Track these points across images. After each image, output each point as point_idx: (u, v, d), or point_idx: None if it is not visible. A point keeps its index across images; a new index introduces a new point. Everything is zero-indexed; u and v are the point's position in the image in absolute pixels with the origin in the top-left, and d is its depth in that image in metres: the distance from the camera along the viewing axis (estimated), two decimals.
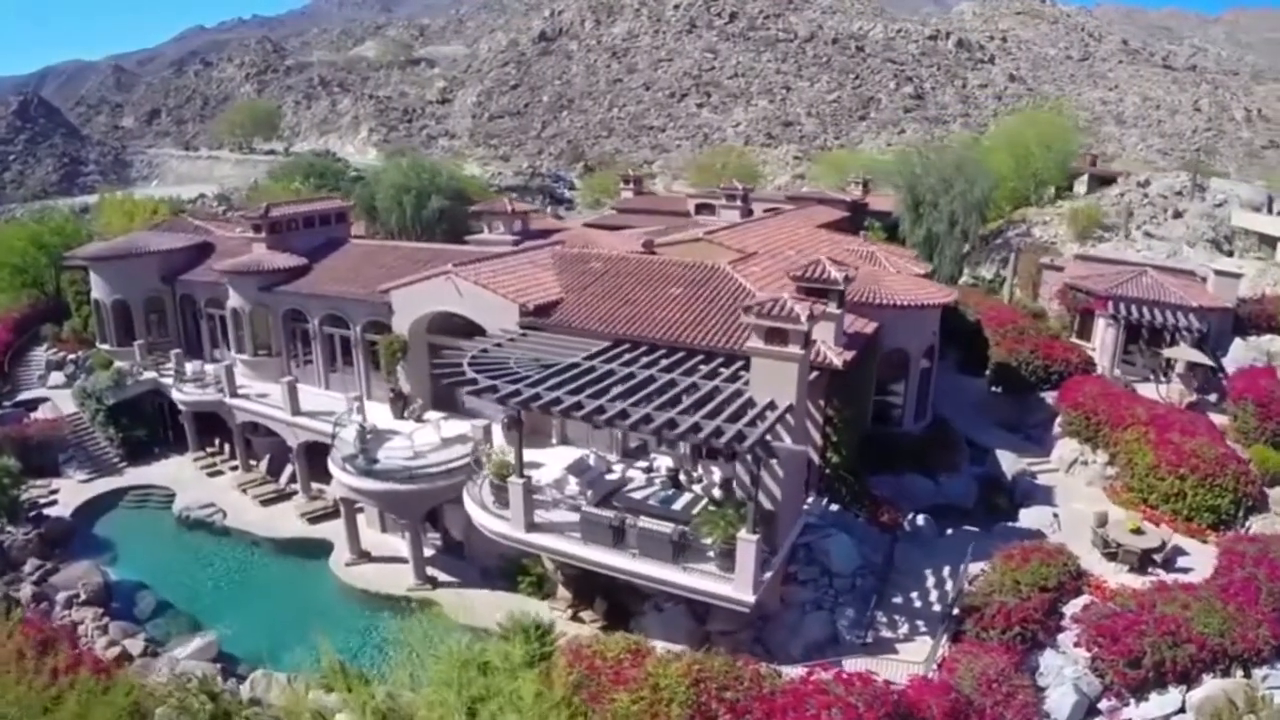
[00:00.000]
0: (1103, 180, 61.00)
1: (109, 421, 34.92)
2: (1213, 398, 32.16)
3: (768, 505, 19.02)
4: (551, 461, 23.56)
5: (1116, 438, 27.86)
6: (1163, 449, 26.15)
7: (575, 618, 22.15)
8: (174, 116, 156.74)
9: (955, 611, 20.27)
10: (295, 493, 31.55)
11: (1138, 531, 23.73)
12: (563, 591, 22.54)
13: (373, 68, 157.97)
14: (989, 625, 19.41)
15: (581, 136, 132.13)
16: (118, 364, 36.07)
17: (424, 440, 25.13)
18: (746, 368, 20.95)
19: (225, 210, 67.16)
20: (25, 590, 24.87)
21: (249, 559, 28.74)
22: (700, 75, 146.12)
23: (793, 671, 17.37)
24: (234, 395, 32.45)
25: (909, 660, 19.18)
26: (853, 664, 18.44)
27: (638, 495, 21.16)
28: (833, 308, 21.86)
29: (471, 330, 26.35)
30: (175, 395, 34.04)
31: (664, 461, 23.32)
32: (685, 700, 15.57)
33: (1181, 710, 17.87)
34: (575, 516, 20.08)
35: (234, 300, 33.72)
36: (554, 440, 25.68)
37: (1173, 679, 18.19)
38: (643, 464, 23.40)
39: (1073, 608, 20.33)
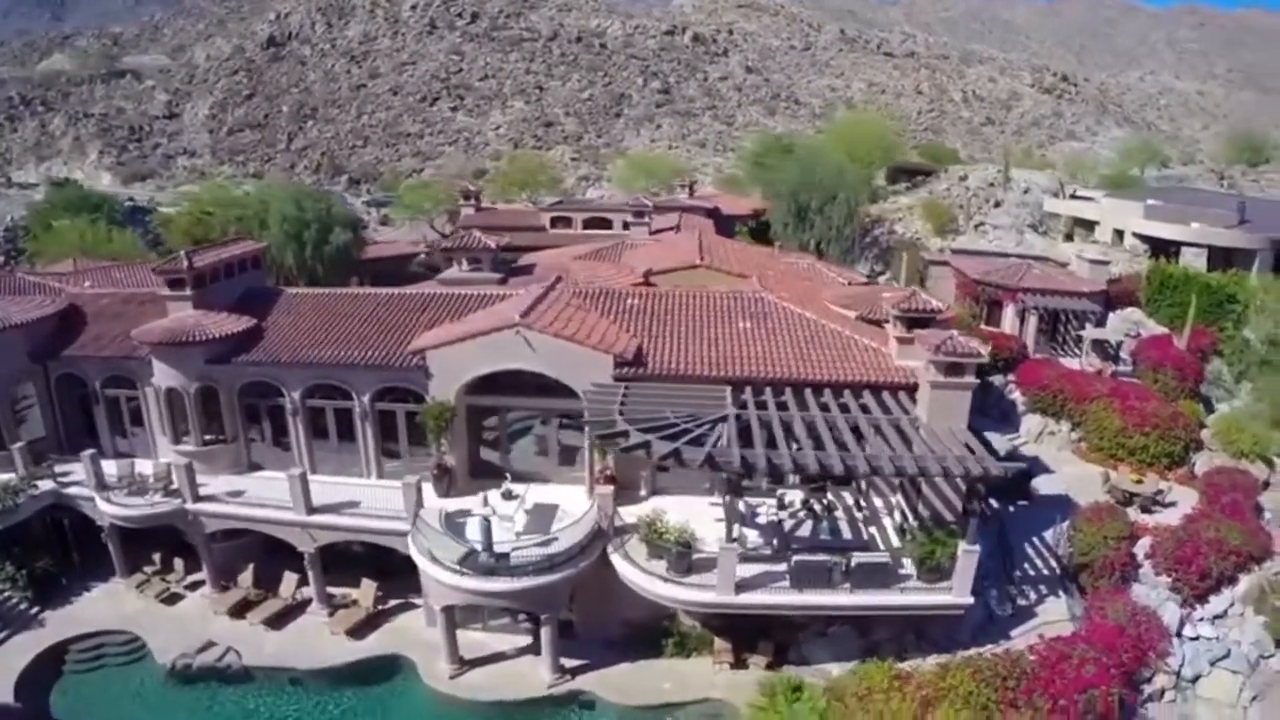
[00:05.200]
0: (908, 172, 69.79)
1: (1, 556, 28.18)
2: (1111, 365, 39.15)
3: (950, 516, 21.34)
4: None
5: (1082, 409, 33.29)
6: (1128, 414, 31.85)
7: (738, 664, 22.83)
8: None
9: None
10: (305, 603, 27.46)
11: (1139, 481, 29.27)
12: (720, 643, 22.95)
13: (73, 82, 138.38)
14: (1100, 574, 23.76)
15: (335, 147, 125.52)
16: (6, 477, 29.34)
17: (521, 520, 24.02)
18: (877, 395, 23.20)
19: None
20: None
21: (305, 705, 23.84)
22: (449, 78, 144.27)
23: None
24: (198, 499, 27.29)
25: (1052, 620, 23.02)
26: (1019, 632, 22.30)
27: (801, 533, 22.45)
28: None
29: (517, 387, 25.94)
30: (104, 509, 28.07)
31: (793, 495, 24.60)
32: (984, 700, 18.09)
33: (1232, 604, 23.26)
34: (760, 568, 20.99)
35: (168, 378, 28.68)
36: (643, 492, 25.57)
37: (1224, 583, 23.53)
38: (765, 501, 24.49)
39: (1140, 548, 24.94)
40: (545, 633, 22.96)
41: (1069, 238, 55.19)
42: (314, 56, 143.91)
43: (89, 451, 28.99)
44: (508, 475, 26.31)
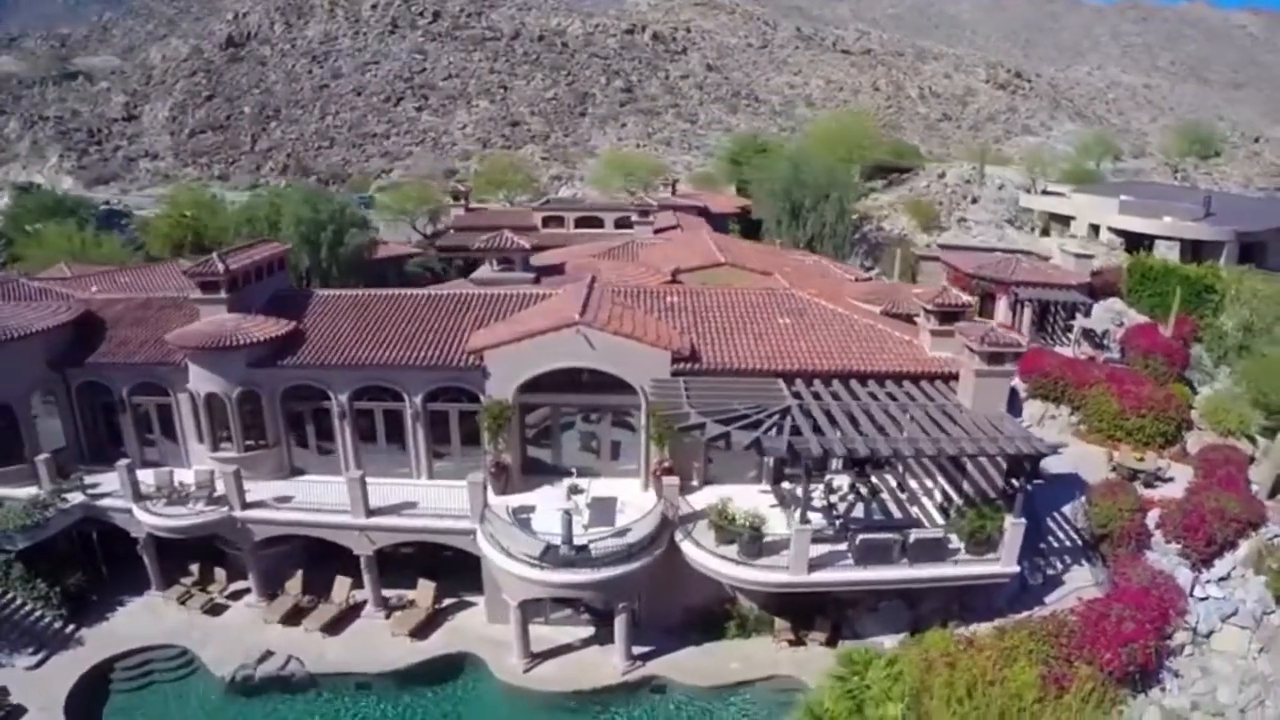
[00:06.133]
0: (884, 169, 72.32)
1: (30, 574, 27.12)
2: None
3: (992, 493, 23.35)
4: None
5: (1082, 394, 35.70)
6: (1125, 398, 34.34)
7: (797, 642, 24.66)
8: None
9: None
10: (358, 607, 27.65)
11: (1140, 459, 31.72)
12: (780, 622, 24.71)
13: (24, 84, 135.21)
14: (1119, 543, 26.04)
15: (300, 148, 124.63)
16: (26, 491, 28.14)
17: (585, 514, 24.92)
18: (916, 385, 25.15)
19: None
20: None
21: (377, 708, 24.06)
22: (412, 78, 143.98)
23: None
24: (246, 507, 27.23)
25: (1079, 586, 25.26)
26: (1051, 598, 24.47)
27: (854, 515, 24.32)
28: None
29: (568, 384, 27.01)
30: (144, 520, 27.53)
31: (840, 480, 26.38)
32: (1045, 655, 20.36)
33: (1235, 566, 25.76)
34: (823, 548, 22.76)
35: (207, 384, 28.30)
36: (695, 482, 26.70)
37: (1227, 548, 26.03)
38: (815, 486, 26.14)
39: (1150, 519, 27.27)
40: (619, 622, 24.00)
41: (1045, 232, 58.13)
42: (274, 57, 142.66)
43: (124, 461, 28.44)
44: (573, 471, 27.21)
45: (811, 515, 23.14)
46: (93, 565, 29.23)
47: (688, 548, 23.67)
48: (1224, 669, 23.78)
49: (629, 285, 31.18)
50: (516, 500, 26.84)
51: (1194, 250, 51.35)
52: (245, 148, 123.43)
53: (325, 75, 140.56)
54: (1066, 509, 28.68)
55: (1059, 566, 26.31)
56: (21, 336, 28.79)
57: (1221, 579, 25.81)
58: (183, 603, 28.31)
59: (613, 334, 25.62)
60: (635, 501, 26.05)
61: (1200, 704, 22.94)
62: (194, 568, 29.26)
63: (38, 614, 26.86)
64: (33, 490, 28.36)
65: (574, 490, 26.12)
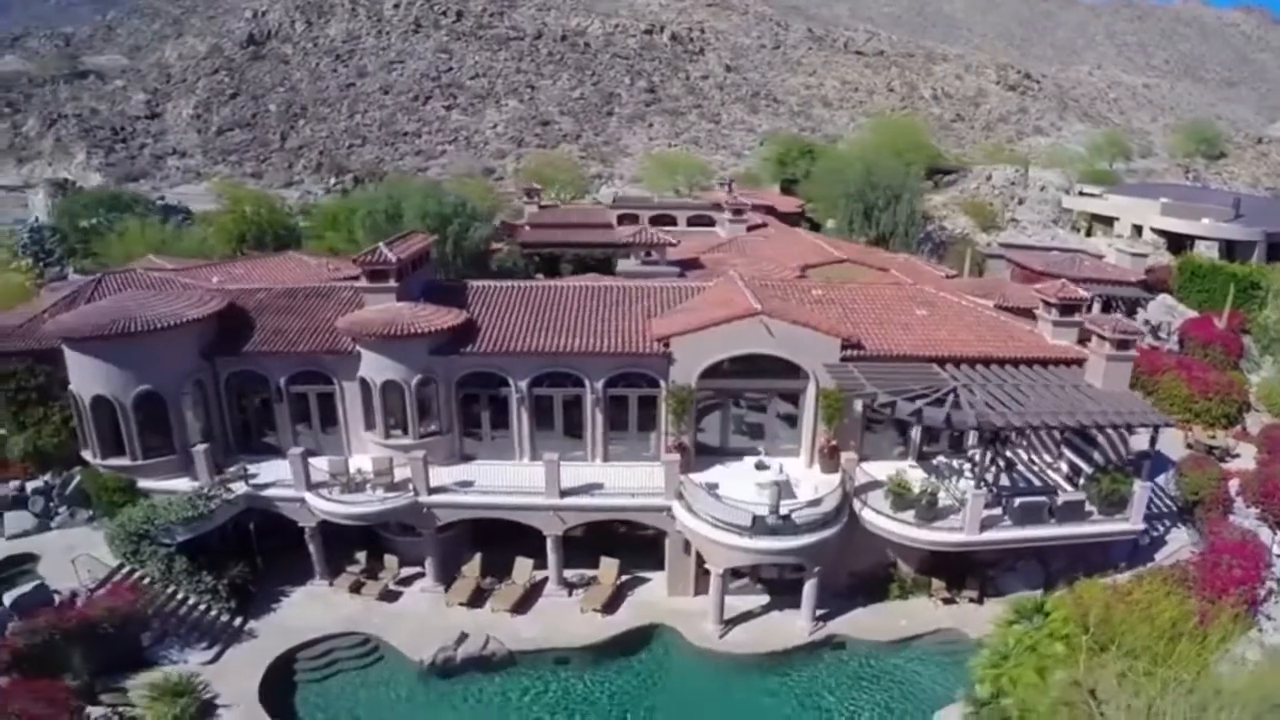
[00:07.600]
0: (929, 171, 76.76)
1: (193, 567, 27.34)
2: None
3: (1118, 462, 27.91)
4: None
5: (1155, 380, 40.36)
6: (1194, 384, 39.08)
7: (950, 601, 28.70)
8: None
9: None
10: (539, 585, 29.13)
11: (1213, 437, 36.49)
12: (936, 583, 28.69)
13: (36, 83, 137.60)
14: (1210, 508, 30.57)
15: (332, 146, 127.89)
16: (187, 483, 28.71)
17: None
18: (1044, 368, 29.50)
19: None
20: None
21: (585, 681, 25.72)
22: (439, 77, 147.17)
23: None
24: (431, 493, 28.45)
25: (1182, 544, 29.89)
26: (1160, 555, 28.94)
27: (1002, 483, 28.73)
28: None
29: (738, 370, 30.11)
30: (322, 508, 28.29)
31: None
32: (1181, 596, 24.37)
33: None
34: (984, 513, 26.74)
35: (384, 371, 29.30)
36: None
37: None
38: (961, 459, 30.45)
39: (1232, 487, 31.74)
40: (808, 586, 26.93)
41: (1089, 232, 62.91)
42: (297, 55, 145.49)
43: (296, 450, 28.89)
44: (760, 449, 30.38)
45: (966, 484, 27.30)
46: (249, 557, 29.24)
47: (868, 514, 27.36)
48: None
49: (772, 279, 35.07)
50: (697, 478, 28.30)
51: (1227, 249, 56.16)
52: (275, 145, 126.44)
53: (350, 74, 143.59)
54: (1160, 480, 33.23)
55: (1160, 529, 30.86)
56: (175, 325, 28.78)
57: None
58: (355, 591, 28.88)
59: (790, 323, 28.96)
60: (805, 476, 29.59)
61: None
62: (361, 555, 29.92)
63: (204, 607, 27.11)
64: (183, 482, 28.88)
65: (760, 466, 29.54)
